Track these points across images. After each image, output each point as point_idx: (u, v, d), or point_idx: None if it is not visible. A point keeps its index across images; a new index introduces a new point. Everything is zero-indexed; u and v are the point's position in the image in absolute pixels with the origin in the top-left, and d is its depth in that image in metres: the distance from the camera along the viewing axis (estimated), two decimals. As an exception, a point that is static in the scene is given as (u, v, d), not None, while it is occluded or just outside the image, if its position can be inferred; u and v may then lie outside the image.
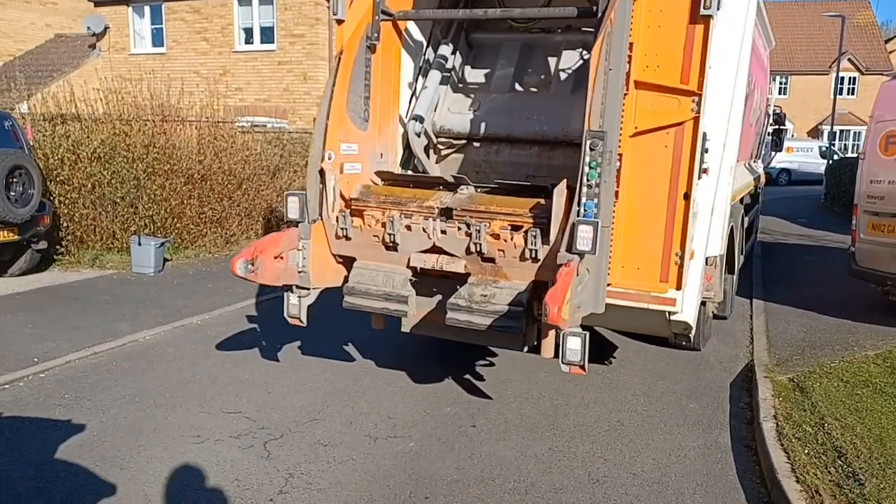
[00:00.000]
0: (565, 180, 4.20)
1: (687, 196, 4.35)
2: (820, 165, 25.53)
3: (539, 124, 5.53)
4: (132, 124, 10.41)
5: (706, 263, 5.33)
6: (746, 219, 8.78)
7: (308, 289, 4.85)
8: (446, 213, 4.65)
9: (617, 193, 4.28)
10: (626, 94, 4.26)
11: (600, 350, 6.11)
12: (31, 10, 23.25)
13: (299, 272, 4.80)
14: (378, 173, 5.27)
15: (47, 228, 8.81)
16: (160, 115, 11.03)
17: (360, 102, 5.20)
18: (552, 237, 4.22)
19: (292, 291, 4.86)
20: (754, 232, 10.57)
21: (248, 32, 18.19)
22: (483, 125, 5.78)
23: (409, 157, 5.88)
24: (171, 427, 4.61)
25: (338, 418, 4.81)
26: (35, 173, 8.40)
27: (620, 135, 4.21)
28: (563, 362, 3.93)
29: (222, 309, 7.58)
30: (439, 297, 4.70)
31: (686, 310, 4.70)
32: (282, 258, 4.71)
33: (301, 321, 4.88)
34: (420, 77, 5.90)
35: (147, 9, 19.41)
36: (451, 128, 5.87)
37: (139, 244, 9.15)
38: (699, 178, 4.43)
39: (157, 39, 19.45)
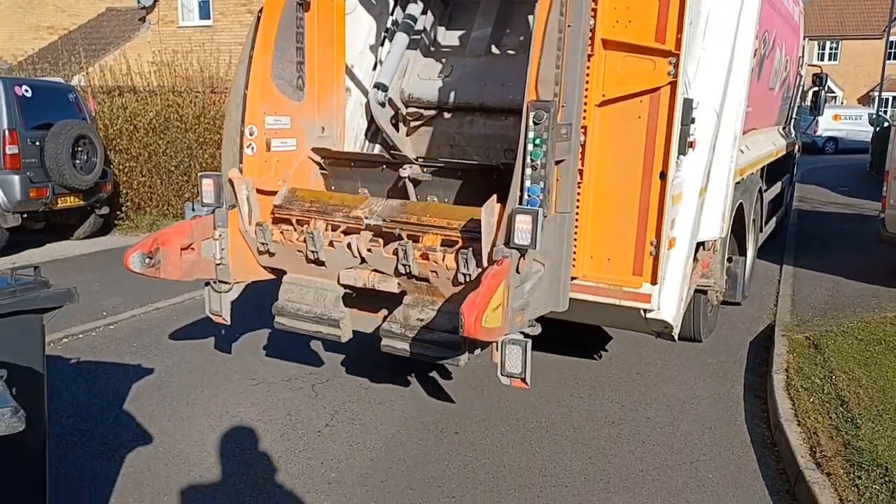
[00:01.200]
0: (495, 196, 3.63)
1: (663, 175, 3.74)
2: (869, 133, 24.96)
3: (514, 92, 4.65)
4: (183, 96, 10.96)
5: (703, 249, 4.98)
6: (773, 190, 8.64)
7: (228, 283, 4.40)
8: (375, 228, 4.13)
9: (581, 173, 3.79)
10: (590, 56, 3.71)
11: (590, 341, 5.80)
12: (85, -16, 23.98)
13: (217, 265, 4.33)
14: (316, 150, 4.80)
15: (109, 195, 9.45)
16: (209, 87, 11.55)
17: (292, 69, 4.60)
18: (485, 259, 3.66)
19: (212, 286, 4.43)
20: (785, 203, 10.45)
21: None
22: (454, 93, 5.20)
23: (376, 130, 5.43)
24: (230, 372, 5.12)
25: (377, 366, 5.24)
26: (97, 143, 9.00)
27: (585, 104, 3.73)
28: (501, 374, 3.55)
29: (271, 270, 8.09)
30: (384, 311, 4.21)
31: (665, 307, 4.10)
32: (192, 249, 4.24)
33: (224, 319, 4.50)
34: (386, 41, 5.34)
35: (195, -18, 19.95)
36: (421, 96, 5.27)
37: (192, 210, 9.72)
38: (683, 153, 3.92)
39: (204, 12, 20.00)
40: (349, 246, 4.11)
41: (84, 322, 6.09)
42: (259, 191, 4.36)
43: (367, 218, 4.13)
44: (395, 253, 3.94)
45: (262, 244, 4.32)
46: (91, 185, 8.92)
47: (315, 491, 3.58)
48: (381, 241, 4.09)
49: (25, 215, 8.45)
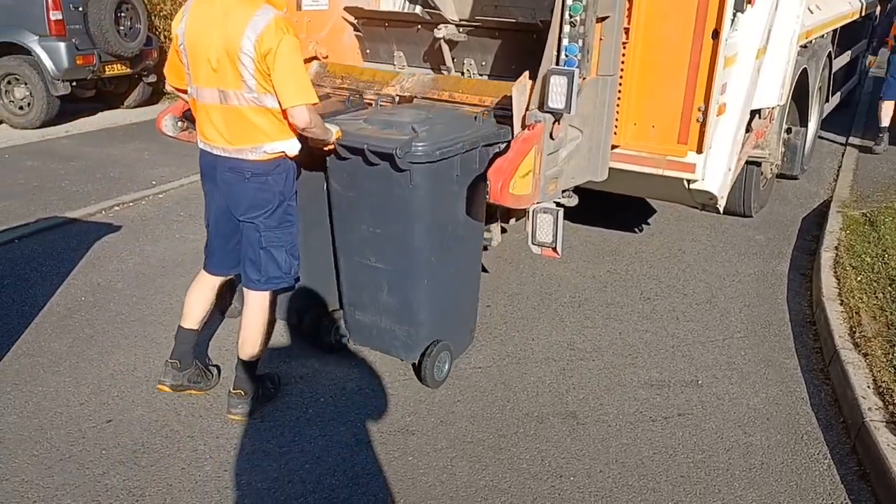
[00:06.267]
0: (528, 72, 3.40)
1: (716, 34, 3.48)
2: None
3: None
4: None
5: (758, 117, 4.75)
6: (845, 57, 8.02)
7: None
8: (407, 102, 3.99)
9: (627, 32, 3.58)
10: None
11: (632, 215, 5.69)
12: None
13: None
14: (348, 9, 4.58)
15: (155, 62, 9.38)
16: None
17: None
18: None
19: None
20: (859, 70, 9.72)
21: None
22: None
23: None
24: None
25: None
26: (140, 8, 8.86)
27: None
28: (532, 243, 3.45)
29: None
30: None
31: (710, 177, 3.96)
32: None
33: None
34: None
35: None
36: None
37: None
38: (740, 9, 3.70)
39: None
40: None
41: (134, 191, 6.24)
42: None
43: (398, 95, 4.00)
44: None
45: None
46: (136, 52, 8.87)
47: (346, 360, 3.69)
48: None
49: (74, 83, 8.51)
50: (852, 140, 8.21)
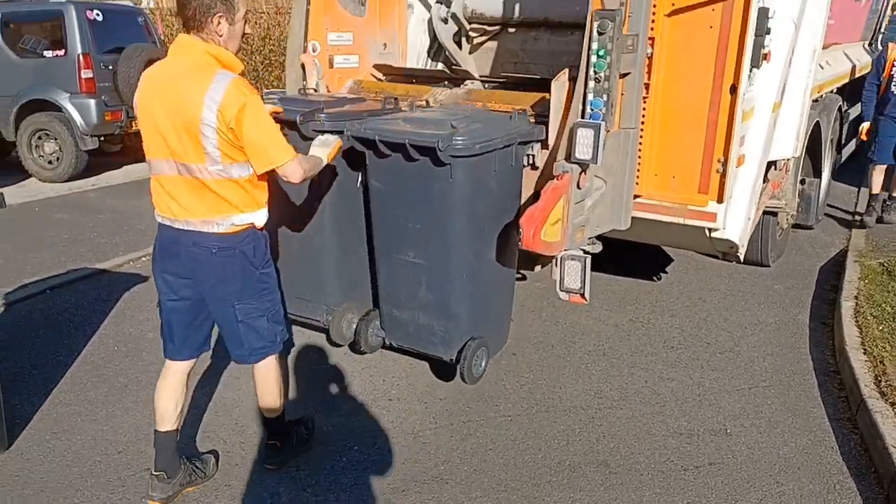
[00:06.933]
0: (568, 71, 3.59)
1: (734, 89, 3.61)
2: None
3: (580, 4, 4.61)
4: (248, 17, 10.97)
5: (774, 168, 4.85)
6: (855, 110, 8.20)
7: None
8: None
9: (648, 87, 3.71)
10: None
11: (650, 264, 5.77)
12: None
13: None
14: (377, 66, 4.78)
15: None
16: (274, 8, 11.53)
17: None
18: (551, 140, 3.71)
19: None
20: None
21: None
22: (518, 8, 5.09)
23: (438, 48, 5.35)
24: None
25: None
26: (166, 66, 9.16)
27: (653, 14, 3.61)
28: (560, 289, 3.54)
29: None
30: None
31: (730, 226, 4.05)
32: None
33: None
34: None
35: None
36: (484, 12, 5.17)
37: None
38: (756, 65, 3.80)
39: (267, -72, 19.69)
40: None
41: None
42: None
43: (432, 104, 4.22)
44: None
45: None
46: (162, 109, 9.13)
47: (377, 406, 3.75)
48: None
49: (103, 138, 8.76)
50: (864, 190, 8.29)
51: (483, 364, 3.56)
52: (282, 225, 3.83)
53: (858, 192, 8.08)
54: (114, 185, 8.79)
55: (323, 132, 3.28)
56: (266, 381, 3.02)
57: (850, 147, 8.42)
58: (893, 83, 6.67)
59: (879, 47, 8.23)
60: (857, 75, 7.25)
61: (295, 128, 3.50)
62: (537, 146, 3.78)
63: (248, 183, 2.66)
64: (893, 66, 6.62)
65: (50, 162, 8.70)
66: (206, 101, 2.47)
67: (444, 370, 4.05)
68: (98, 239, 6.46)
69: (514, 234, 3.66)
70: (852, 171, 8.41)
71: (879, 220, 6.85)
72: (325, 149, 3.02)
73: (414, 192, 3.41)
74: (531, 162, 3.79)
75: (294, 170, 2.65)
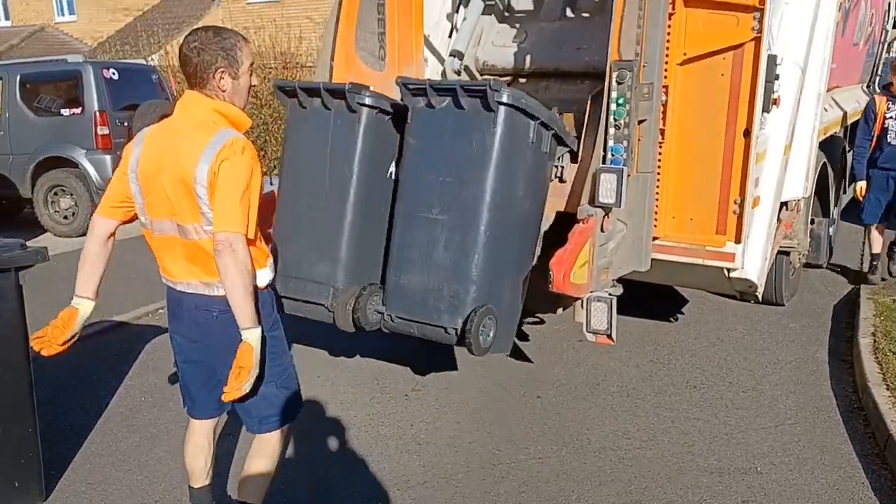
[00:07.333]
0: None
1: (748, 133, 3.76)
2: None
3: (590, 54, 4.75)
4: (257, 72, 11.25)
5: (786, 209, 4.93)
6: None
7: None
8: None
9: (663, 132, 3.84)
10: (671, 15, 3.73)
11: (666, 305, 5.79)
12: (155, -35, 24.66)
13: None
14: (400, 79, 4.89)
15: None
16: (282, 63, 11.83)
17: (374, 40, 4.71)
18: (581, 152, 3.81)
19: None
20: None
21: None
22: (529, 58, 5.21)
23: None
24: (320, 339, 5.33)
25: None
26: (180, 121, 9.36)
27: (666, 63, 3.75)
28: (587, 330, 3.61)
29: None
30: None
31: (749, 266, 4.16)
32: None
33: None
34: (461, 7, 5.36)
35: (261, -42, 20.25)
36: (496, 63, 5.29)
37: (270, 184, 10.02)
38: (767, 110, 3.94)
39: (272, -13, 20.31)
40: None
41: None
42: None
43: None
44: None
45: None
46: (175, 163, 9.30)
47: (406, 451, 3.76)
48: None
49: (117, 193, 8.89)
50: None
51: (491, 335, 3.34)
52: (302, 203, 3.89)
53: (863, 244, 8.05)
54: (128, 238, 8.74)
55: (367, 105, 3.63)
56: (262, 462, 2.73)
57: (850, 193, 8.53)
58: (888, 135, 6.24)
59: (877, 89, 8.41)
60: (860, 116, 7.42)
61: (342, 97, 3.67)
62: (567, 157, 3.91)
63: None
64: (885, 118, 6.25)
65: (65, 217, 8.83)
66: (201, 159, 2.36)
67: (474, 410, 4.07)
68: (115, 291, 6.50)
69: (534, 230, 3.73)
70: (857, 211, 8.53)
71: (890, 274, 6.34)
72: (256, 346, 2.45)
73: (452, 146, 3.47)
74: (559, 174, 3.89)
75: (235, 246, 2.34)
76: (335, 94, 3.72)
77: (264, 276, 2.58)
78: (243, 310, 2.40)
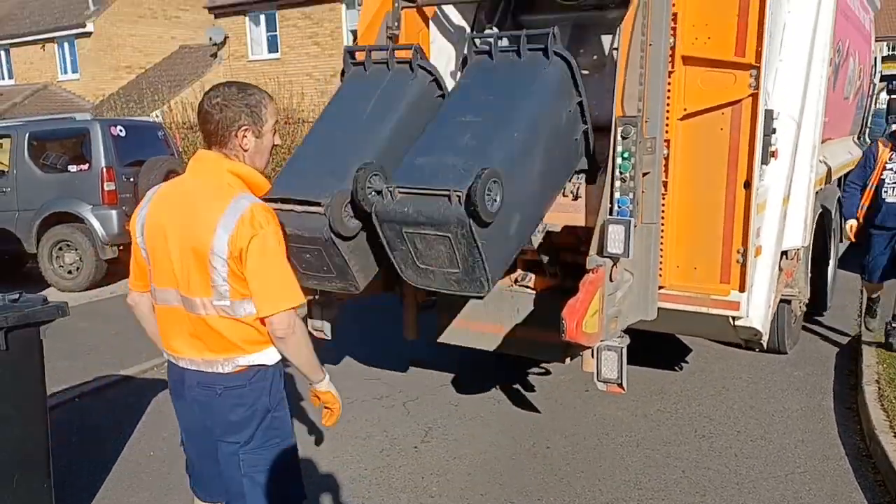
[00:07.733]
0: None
1: (748, 185, 3.87)
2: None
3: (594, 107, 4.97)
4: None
5: (786, 258, 4.99)
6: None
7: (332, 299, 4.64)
8: None
9: (665, 185, 3.94)
10: (671, 72, 3.87)
11: (671, 354, 5.86)
12: (159, 24, 25.30)
13: None
14: None
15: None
16: (284, 118, 12.06)
17: None
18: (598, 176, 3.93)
19: (315, 300, 4.65)
20: None
21: (356, 35, 19.16)
22: None
23: None
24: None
25: (465, 384, 5.42)
26: (185, 176, 9.50)
27: (667, 118, 3.89)
28: (598, 380, 3.64)
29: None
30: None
31: (753, 314, 4.22)
32: None
33: (325, 335, 4.72)
34: (464, 66, 5.71)
35: (262, 17, 20.83)
36: None
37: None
38: (765, 162, 4.04)
39: (272, 46, 20.84)
40: None
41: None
42: None
43: None
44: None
45: None
46: (180, 217, 9.39)
47: (418, 504, 3.76)
48: None
49: (122, 248, 8.97)
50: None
51: (498, 200, 3.21)
52: (329, 135, 4.03)
53: (861, 295, 8.09)
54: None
55: (426, 70, 4.03)
56: None
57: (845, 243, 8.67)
58: (884, 188, 6.05)
59: (868, 140, 8.61)
60: (852, 167, 7.59)
61: (406, 62, 3.98)
62: (582, 177, 4.09)
63: (255, 321, 2.32)
64: (884, 167, 6.06)
65: (70, 272, 8.88)
66: (218, 229, 2.20)
67: (484, 461, 4.07)
68: (121, 346, 6.53)
69: (553, 183, 3.88)
70: (856, 259, 8.65)
71: (888, 347, 5.64)
72: (331, 388, 2.58)
73: (502, 80, 3.73)
74: (574, 191, 4.04)
75: (288, 323, 2.28)
76: (401, 60, 4.05)
77: (272, 355, 2.42)
78: (311, 367, 2.46)
